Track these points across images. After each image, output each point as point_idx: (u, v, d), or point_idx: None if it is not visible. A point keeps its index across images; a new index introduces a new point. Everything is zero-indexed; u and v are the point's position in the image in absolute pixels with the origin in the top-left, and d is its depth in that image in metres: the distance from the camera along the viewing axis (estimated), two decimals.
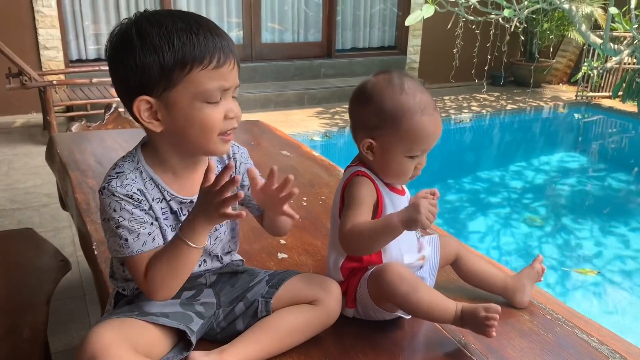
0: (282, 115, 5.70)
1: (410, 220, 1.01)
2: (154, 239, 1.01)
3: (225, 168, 0.92)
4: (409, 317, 1.16)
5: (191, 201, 1.06)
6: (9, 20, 5.15)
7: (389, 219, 1.05)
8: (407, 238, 1.19)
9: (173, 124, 0.99)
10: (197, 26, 0.97)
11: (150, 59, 0.95)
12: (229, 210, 0.92)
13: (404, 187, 1.25)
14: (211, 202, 0.92)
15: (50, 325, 1.62)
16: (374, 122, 1.14)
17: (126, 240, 0.98)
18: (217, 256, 1.15)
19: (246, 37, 6.44)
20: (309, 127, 5.34)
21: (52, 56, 5.41)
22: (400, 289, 1.07)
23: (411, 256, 1.20)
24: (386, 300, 1.11)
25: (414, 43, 7.16)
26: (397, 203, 1.17)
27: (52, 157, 2.20)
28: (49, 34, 5.36)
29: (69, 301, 2.42)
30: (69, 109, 4.91)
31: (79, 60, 5.72)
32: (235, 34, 6.42)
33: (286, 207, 1.07)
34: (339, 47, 6.96)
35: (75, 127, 2.77)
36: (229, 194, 0.91)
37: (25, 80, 4.41)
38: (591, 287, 3.26)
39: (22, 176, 3.93)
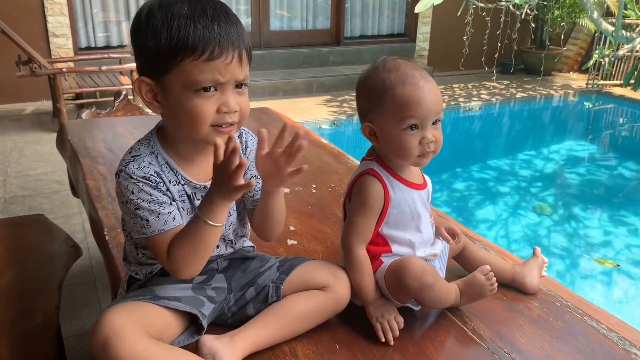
0: (291, 103, 5.69)
1: None
2: (174, 217, 1.02)
3: (228, 140, 0.92)
4: (418, 308, 1.18)
5: (205, 187, 1.07)
6: (19, 8, 5.15)
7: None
8: (425, 231, 1.19)
9: (168, 108, 1.01)
10: (201, 13, 0.95)
11: (150, 42, 0.96)
12: (241, 181, 0.92)
13: (426, 178, 1.24)
14: (223, 177, 0.93)
15: (61, 311, 1.64)
16: (366, 105, 1.16)
17: (147, 220, 0.99)
18: (231, 241, 1.16)
19: (254, 24, 6.41)
20: (317, 115, 5.33)
21: (62, 44, 5.42)
22: (424, 282, 1.08)
23: (424, 250, 1.20)
24: (405, 294, 1.12)
25: (424, 30, 7.11)
26: (409, 198, 1.17)
27: (62, 144, 2.21)
28: (58, 22, 5.37)
29: (80, 287, 2.45)
30: (78, 96, 4.93)
31: (88, 48, 5.73)
32: (244, 21, 6.37)
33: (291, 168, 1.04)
34: (347, 35, 6.92)
35: (85, 114, 2.78)
36: (235, 166, 0.91)
37: (35, 68, 4.43)
38: (601, 276, 3.25)
39: (32, 163, 3.96)
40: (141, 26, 0.97)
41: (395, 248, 1.17)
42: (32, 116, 5.13)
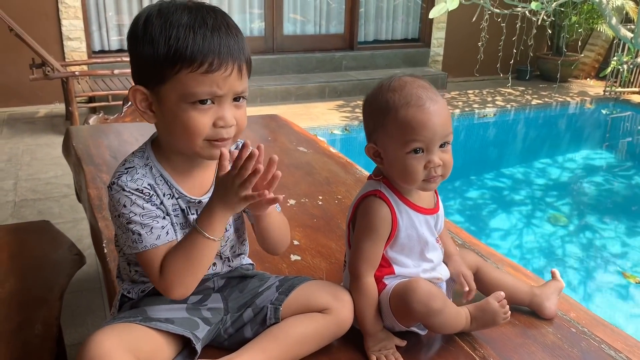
0: (303, 108, 5.66)
1: None
2: (167, 232, 0.98)
3: (243, 147, 0.89)
4: (425, 332, 1.12)
5: (199, 201, 1.03)
6: (33, 11, 5.18)
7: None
8: (431, 256, 1.14)
9: (163, 118, 0.97)
10: (201, 23, 0.92)
11: (147, 51, 0.93)
12: (249, 191, 0.89)
13: (439, 202, 1.19)
14: (231, 187, 0.90)
15: (66, 318, 1.61)
16: (371, 126, 1.11)
17: (139, 234, 0.96)
18: (228, 258, 1.12)
19: (268, 28, 6.39)
20: (330, 120, 5.29)
21: (75, 47, 5.44)
22: (432, 307, 1.03)
23: (429, 273, 1.15)
24: (411, 318, 1.07)
25: (438, 36, 7.03)
26: (417, 223, 1.12)
27: (68, 150, 2.19)
28: (72, 25, 5.39)
29: (86, 293, 2.43)
30: (91, 99, 4.93)
31: (102, 51, 5.74)
32: (257, 25, 6.38)
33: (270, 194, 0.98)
34: (361, 40, 6.87)
35: (92, 119, 2.77)
36: (249, 173, 0.88)
37: (48, 71, 4.44)
38: (619, 290, 3.16)
39: (43, 166, 3.97)
40: (138, 33, 0.94)
41: (398, 270, 1.12)
42: (45, 119, 5.15)
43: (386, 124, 1.06)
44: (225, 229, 1.07)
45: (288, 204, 1.71)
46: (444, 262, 1.22)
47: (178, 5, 0.94)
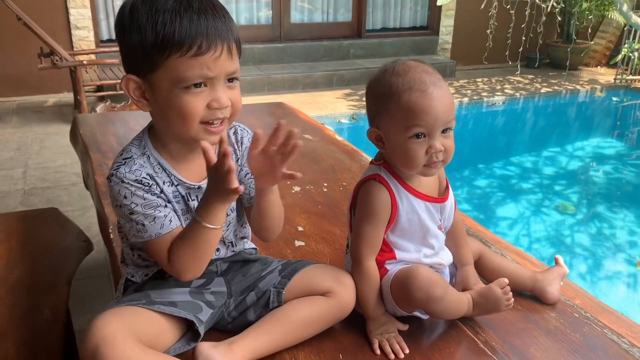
0: (310, 96, 5.64)
1: None
2: (171, 220, 0.99)
3: (220, 142, 0.89)
4: (427, 317, 1.13)
5: (199, 187, 1.04)
6: (41, 1, 5.19)
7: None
8: (433, 243, 1.14)
9: (157, 106, 0.97)
10: (187, 7, 0.91)
11: (135, 39, 0.93)
12: (235, 184, 0.89)
13: (450, 195, 1.18)
14: (218, 179, 0.90)
15: (75, 304, 1.63)
16: (373, 110, 1.11)
17: (143, 225, 0.97)
18: (231, 242, 1.13)
19: (275, 16, 6.36)
20: (337, 109, 5.27)
21: (83, 36, 5.45)
22: (432, 294, 1.03)
23: (431, 259, 1.15)
24: (412, 304, 1.07)
25: (447, 23, 6.97)
26: (418, 208, 1.11)
27: (75, 137, 2.20)
28: (80, 14, 5.40)
29: (94, 280, 2.45)
30: (99, 88, 4.95)
31: (110, 40, 5.74)
32: (265, 14, 6.35)
33: (285, 169, 0.98)
34: (369, 27, 6.82)
35: (100, 107, 2.78)
36: (224, 169, 0.87)
37: (56, 60, 4.45)
38: (627, 278, 3.15)
39: (52, 155, 3.99)
40: (125, 22, 0.94)
41: (399, 254, 1.12)
42: (54, 108, 5.18)
43: (389, 108, 1.06)
44: (227, 213, 1.08)
45: (293, 191, 1.72)
46: (454, 265, 1.22)
47: None
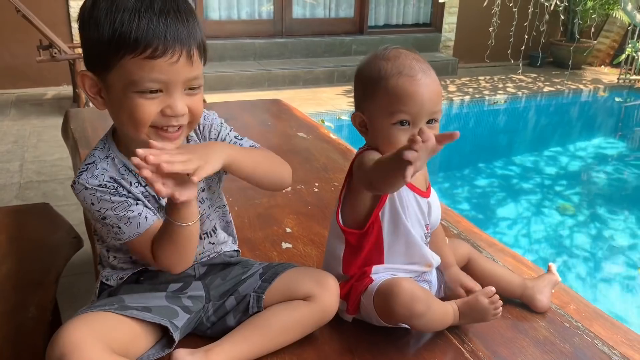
0: (311, 93, 5.61)
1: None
2: (146, 217, 0.97)
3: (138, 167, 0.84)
4: None
5: None
6: None
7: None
8: (416, 244, 1.11)
9: (111, 106, 0.94)
10: (147, 7, 0.88)
11: (93, 35, 0.90)
12: (162, 193, 0.83)
13: (432, 189, 1.15)
14: None
15: (64, 300, 1.62)
16: (359, 94, 1.09)
17: (119, 227, 0.95)
18: (207, 234, 1.10)
19: (277, 12, 6.33)
20: (337, 105, 5.25)
21: None
22: (414, 310, 1.00)
23: (417, 265, 1.12)
24: (394, 319, 1.04)
25: (450, 20, 6.93)
26: (405, 196, 1.08)
27: (66, 132, 2.19)
28: (79, 7, 5.37)
29: (85, 276, 2.43)
30: None
31: None
32: (266, 9, 6.32)
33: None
34: (371, 24, 6.79)
35: None
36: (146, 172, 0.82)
37: (55, 53, 4.43)
38: (626, 281, 3.12)
39: (49, 148, 3.98)
40: (85, 16, 0.91)
41: (387, 260, 1.09)
42: (53, 101, 5.16)
43: (375, 93, 1.04)
44: (200, 202, 1.05)
45: (283, 191, 1.69)
46: (441, 270, 1.19)
47: None
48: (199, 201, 1.06)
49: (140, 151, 0.80)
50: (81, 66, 4.53)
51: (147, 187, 1.00)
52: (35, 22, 4.39)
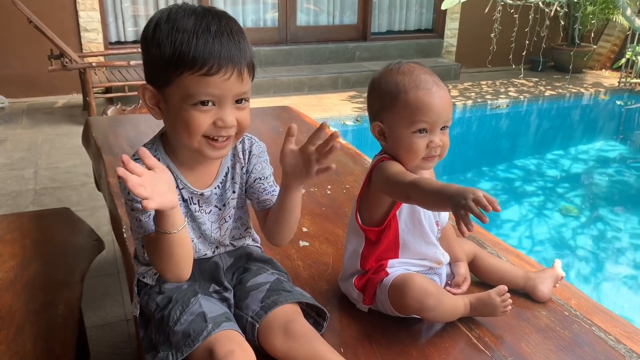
0: (315, 99, 5.70)
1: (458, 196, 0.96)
2: None
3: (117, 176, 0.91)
4: None
5: (202, 193, 1.11)
6: (51, 3, 5.28)
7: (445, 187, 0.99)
8: (428, 240, 1.21)
9: (168, 116, 1.04)
10: (205, 29, 0.98)
11: (155, 53, 1.00)
12: (142, 195, 0.88)
13: None
14: None
15: (85, 302, 1.69)
16: (378, 105, 1.19)
17: (140, 221, 1.03)
18: (231, 244, 1.21)
19: (281, 19, 6.43)
20: (342, 111, 5.33)
21: (92, 38, 5.54)
22: (426, 304, 1.09)
23: (428, 261, 1.22)
24: (407, 311, 1.14)
25: (452, 26, 7.01)
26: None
27: (87, 140, 2.27)
28: (89, 17, 5.48)
29: (104, 278, 2.51)
30: (107, 90, 5.02)
31: (118, 42, 5.83)
32: (271, 16, 6.42)
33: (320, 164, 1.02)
34: (374, 30, 6.87)
35: (110, 110, 2.85)
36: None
37: (66, 62, 4.53)
38: (628, 281, 3.18)
39: (62, 155, 4.06)
40: (148, 36, 1.01)
41: (402, 255, 1.18)
42: (63, 109, 5.25)
43: (395, 104, 1.15)
44: (225, 220, 1.15)
45: (301, 193, 1.78)
46: (451, 264, 1.29)
47: (186, 11, 1.01)
48: (227, 216, 1.15)
49: (124, 157, 0.90)
50: (91, 75, 4.64)
51: (182, 190, 1.10)
52: (47, 32, 4.49)
